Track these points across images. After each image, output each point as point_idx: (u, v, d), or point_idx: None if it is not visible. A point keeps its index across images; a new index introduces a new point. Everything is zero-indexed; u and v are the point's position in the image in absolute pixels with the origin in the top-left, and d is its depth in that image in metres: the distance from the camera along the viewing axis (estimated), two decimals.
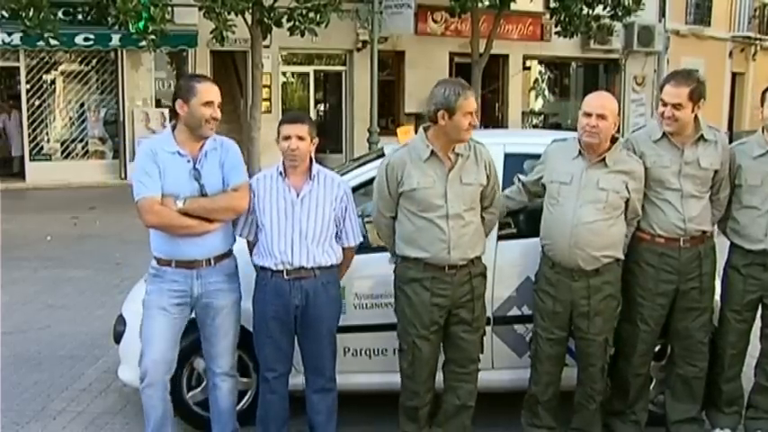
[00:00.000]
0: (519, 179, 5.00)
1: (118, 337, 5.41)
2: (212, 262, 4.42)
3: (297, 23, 15.53)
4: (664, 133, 4.86)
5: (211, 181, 4.37)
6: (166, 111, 18.96)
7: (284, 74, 21.79)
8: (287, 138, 4.51)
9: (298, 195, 4.53)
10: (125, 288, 6.06)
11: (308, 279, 4.54)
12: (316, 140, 4.64)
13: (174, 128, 4.44)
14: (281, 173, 4.58)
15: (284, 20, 15.59)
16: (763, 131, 4.99)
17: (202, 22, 15.99)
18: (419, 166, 4.57)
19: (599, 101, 4.72)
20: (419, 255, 4.59)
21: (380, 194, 4.72)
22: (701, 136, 4.85)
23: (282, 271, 4.52)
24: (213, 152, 4.41)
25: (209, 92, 4.34)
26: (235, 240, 4.57)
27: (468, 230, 4.60)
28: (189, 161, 4.35)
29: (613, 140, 4.73)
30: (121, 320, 5.37)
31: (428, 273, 4.60)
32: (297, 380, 4.83)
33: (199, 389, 5.17)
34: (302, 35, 15.71)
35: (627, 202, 4.72)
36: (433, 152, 4.57)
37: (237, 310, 4.58)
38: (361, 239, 4.75)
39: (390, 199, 4.67)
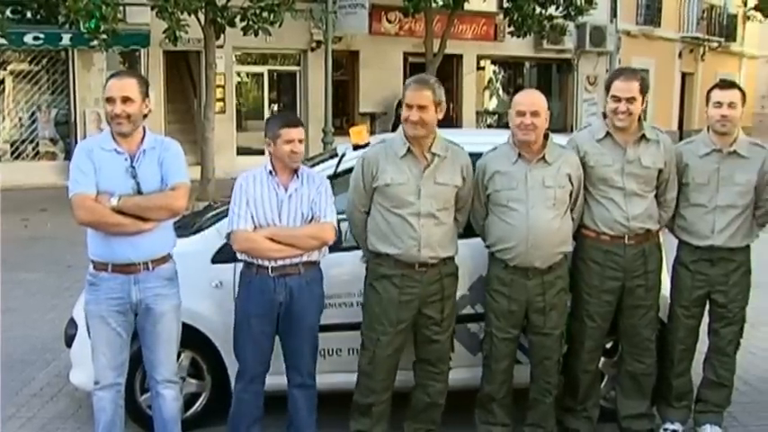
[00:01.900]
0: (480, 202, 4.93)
1: (69, 341, 5.35)
2: (150, 266, 4.32)
3: (250, 23, 15.44)
4: (607, 132, 4.94)
5: (148, 179, 4.29)
6: (101, 111, 18.73)
7: (238, 74, 21.67)
8: (290, 141, 4.53)
9: (286, 191, 4.57)
10: (76, 291, 5.98)
11: (294, 276, 4.55)
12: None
13: None
14: (270, 171, 4.60)
15: (237, 19, 15.48)
16: (708, 131, 5.08)
17: (155, 21, 15.82)
18: (395, 163, 4.62)
19: (531, 98, 4.78)
20: (389, 251, 4.62)
21: (356, 189, 4.77)
22: (643, 135, 4.93)
23: (268, 267, 4.53)
24: (152, 151, 4.34)
25: (109, 88, 4.26)
26: (175, 244, 4.50)
27: (440, 230, 4.64)
28: (126, 159, 4.28)
29: (545, 137, 4.79)
30: (72, 324, 5.31)
31: (398, 270, 4.64)
32: (273, 380, 4.80)
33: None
34: (256, 35, 15.62)
35: (571, 194, 4.79)
36: (409, 149, 4.61)
37: (178, 315, 4.50)
38: (335, 220, 4.69)
39: (365, 193, 4.71)
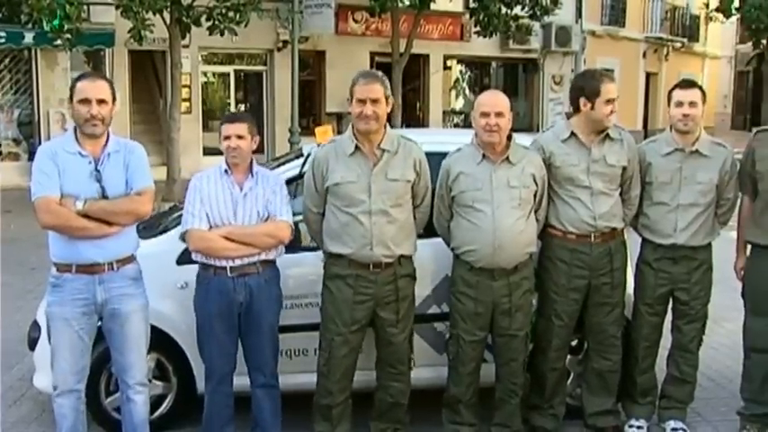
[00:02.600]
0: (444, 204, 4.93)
1: (32, 344, 5.29)
2: (115, 266, 4.29)
3: (216, 23, 15.37)
4: (572, 133, 4.98)
5: (113, 183, 4.26)
6: (66, 111, 18.52)
7: (204, 74, 21.55)
8: (227, 137, 4.56)
9: (241, 190, 4.57)
10: (40, 293, 5.89)
11: (252, 275, 4.55)
12: (257, 138, 4.70)
13: (75, 129, 4.32)
14: (225, 170, 4.60)
15: (203, 19, 15.40)
16: (671, 130, 5.14)
17: (120, 21, 15.68)
18: (344, 161, 4.62)
19: (494, 99, 4.80)
20: (342, 250, 4.62)
21: (308, 190, 4.77)
22: (607, 134, 4.97)
23: (226, 268, 4.52)
24: (116, 154, 4.31)
25: (84, 89, 4.23)
26: (138, 244, 4.47)
27: (393, 227, 4.63)
28: (90, 162, 4.24)
29: (508, 137, 4.81)
30: (36, 327, 5.25)
31: (352, 270, 4.64)
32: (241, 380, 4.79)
33: (117, 394, 5.04)
34: (222, 34, 15.55)
35: (535, 194, 4.81)
36: (357, 147, 4.61)
37: (146, 316, 4.47)
38: (291, 219, 4.70)
39: (317, 194, 4.71)
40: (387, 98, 4.61)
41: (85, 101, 4.20)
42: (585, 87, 4.96)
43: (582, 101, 4.94)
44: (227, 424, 4.78)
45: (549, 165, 4.94)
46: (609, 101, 4.90)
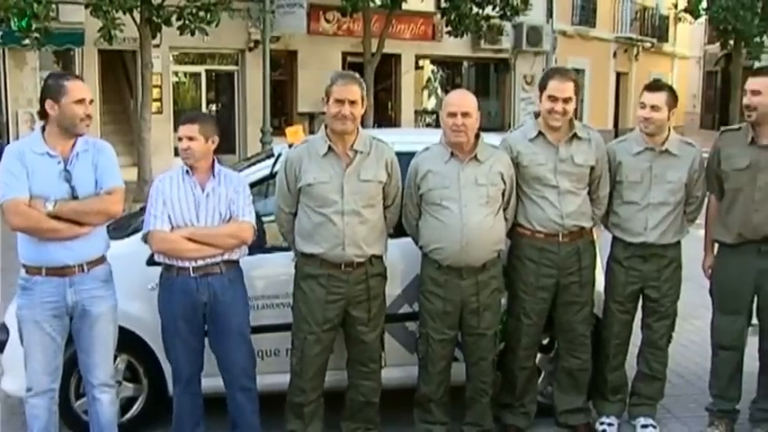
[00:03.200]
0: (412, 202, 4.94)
1: (0, 347, 5.23)
2: (85, 268, 4.26)
3: (187, 22, 15.29)
4: (539, 132, 5.00)
5: (83, 183, 4.22)
6: (35, 111, 18.32)
7: (176, 74, 21.41)
8: (180, 138, 4.55)
9: (203, 191, 4.55)
10: (8, 295, 5.82)
11: (215, 275, 4.54)
12: (215, 139, 4.66)
13: (43, 129, 4.28)
14: (186, 171, 4.58)
15: (174, 19, 15.32)
16: (641, 129, 5.18)
17: (89, 20, 15.55)
18: (316, 162, 4.62)
19: (462, 99, 4.81)
20: (314, 250, 4.63)
21: (280, 190, 4.77)
22: (575, 134, 5.00)
23: (189, 268, 4.50)
24: (85, 153, 4.27)
25: (80, 90, 4.22)
26: (108, 245, 4.44)
27: (365, 227, 4.65)
28: (59, 162, 4.20)
29: (476, 136, 4.83)
30: (4, 329, 5.19)
31: (324, 270, 4.65)
32: (213, 381, 4.77)
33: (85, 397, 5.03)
34: (192, 34, 15.48)
35: (503, 193, 4.83)
36: (330, 148, 4.62)
37: (115, 317, 4.45)
38: (253, 220, 4.69)
39: (289, 194, 4.71)
40: (362, 100, 4.63)
41: (81, 101, 4.20)
42: (540, 84, 5.04)
43: (537, 94, 5.02)
44: (197, 425, 4.78)
45: (518, 164, 4.97)
46: (550, 97, 4.92)
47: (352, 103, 4.56)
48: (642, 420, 5.32)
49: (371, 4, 18.86)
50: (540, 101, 5.00)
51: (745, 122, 5.03)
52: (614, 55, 30.79)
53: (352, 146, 4.66)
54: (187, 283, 4.52)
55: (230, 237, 4.56)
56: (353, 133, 4.66)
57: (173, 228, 4.52)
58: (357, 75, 4.78)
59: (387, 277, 4.87)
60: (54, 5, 15.39)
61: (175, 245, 4.50)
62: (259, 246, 4.89)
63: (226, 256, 4.57)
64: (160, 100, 19.88)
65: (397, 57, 23.53)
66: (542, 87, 5.01)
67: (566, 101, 4.90)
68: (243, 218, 4.60)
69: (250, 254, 4.77)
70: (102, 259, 4.38)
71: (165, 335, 4.65)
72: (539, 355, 5.34)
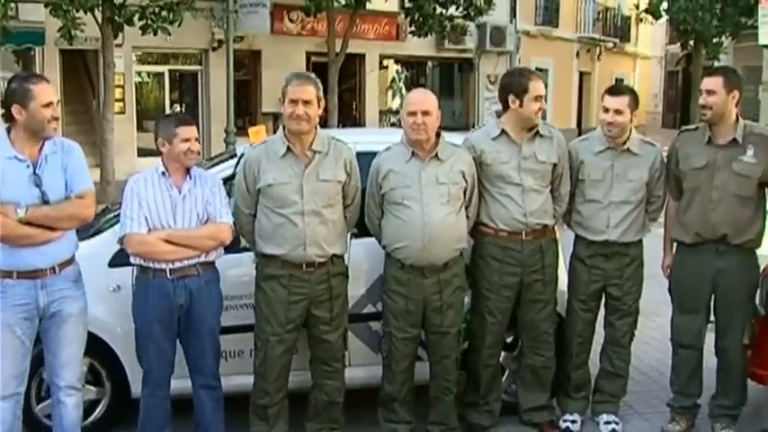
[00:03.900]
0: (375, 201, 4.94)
1: None
2: (56, 270, 4.23)
3: (149, 22, 15.14)
4: (502, 130, 5.04)
5: (53, 186, 4.18)
6: None
7: (139, 74, 21.20)
8: (187, 140, 4.50)
9: (180, 193, 4.52)
10: None
11: (192, 277, 4.51)
12: None
13: (8, 131, 4.21)
14: (162, 173, 4.54)
15: (136, 18, 15.17)
16: (605, 133, 5.22)
17: (50, 19, 15.35)
18: (275, 163, 4.62)
19: (421, 98, 4.83)
20: (275, 251, 4.62)
21: (239, 191, 4.76)
22: (537, 132, 5.04)
23: (166, 270, 4.46)
24: (54, 156, 4.23)
25: (47, 92, 4.18)
26: (77, 246, 4.41)
27: (326, 227, 4.65)
28: (28, 166, 4.15)
29: (438, 135, 4.85)
30: None
31: (286, 270, 4.64)
32: (179, 383, 4.75)
33: (49, 400, 4.95)
34: (155, 34, 15.35)
35: (465, 191, 4.85)
36: (289, 148, 4.62)
37: (85, 319, 4.42)
38: (231, 220, 4.67)
39: (249, 195, 4.70)
40: (319, 100, 4.63)
41: (50, 104, 4.16)
42: (513, 85, 5.04)
43: (511, 98, 5.01)
44: (163, 427, 4.74)
45: (481, 162, 4.99)
46: (537, 98, 4.96)
47: (307, 103, 4.56)
48: (605, 417, 5.36)
49: (335, 4, 18.84)
50: (521, 105, 4.96)
51: (702, 122, 5.10)
52: (577, 55, 31.04)
53: (310, 146, 4.66)
54: (164, 286, 4.49)
55: (209, 238, 4.54)
56: (311, 133, 4.66)
57: (149, 230, 4.48)
58: (313, 75, 4.78)
59: (348, 276, 4.88)
60: (13, 4, 15.17)
61: (153, 247, 4.46)
62: (229, 246, 4.86)
63: (203, 258, 4.55)
64: (123, 100, 19.66)
65: (362, 57, 23.52)
66: (521, 90, 4.96)
67: (543, 99, 5.01)
68: (220, 219, 4.58)
69: None
70: (72, 260, 4.35)
71: (139, 337, 4.61)
72: (503, 354, 5.38)
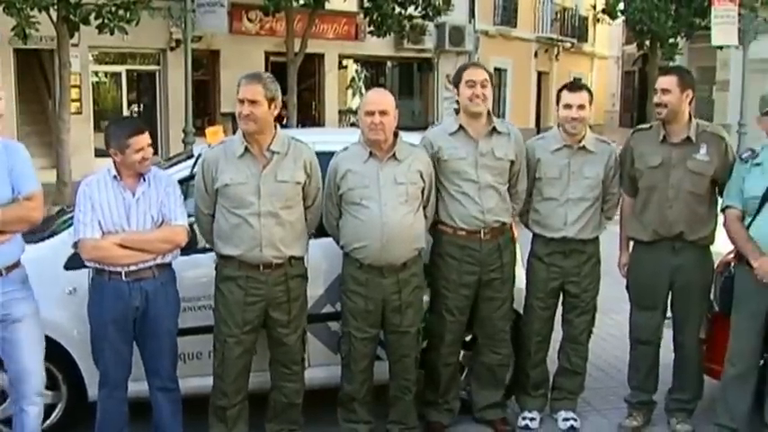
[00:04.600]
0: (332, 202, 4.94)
1: None
2: (3, 273, 4.16)
3: (105, 21, 14.94)
4: (460, 126, 5.06)
5: None
6: None
7: (96, 73, 20.96)
8: (140, 150, 4.42)
9: (134, 196, 4.46)
10: None
11: (148, 279, 4.46)
12: None
13: None
14: (114, 176, 4.47)
15: (92, 17, 14.98)
16: (559, 127, 5.27)
17: (3, 18, 15.11)
18: (233, 163, 4.59)
19: (379, 98, 4.85)
20: (232, 252, 4.60)
21: (198, 191, 4.73)
22: (494, 128, 5.07)
23: (121, 273, 4.41)
24: None
25: None
26: (23, 248, 4.33)
27: (283, 229, 4.62)
28: None
29: (395, 135, 4.85)
30: None
31: (242, 271, 4.62)
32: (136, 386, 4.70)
33: (4, 404, 4.88)
34: (112, 33, 15.15)
35: (423, 191, 4.86)
36: (247, 149, 4.59)
37: (39, 320, 4.35)
38: (186, 222, 4.63)
39: (207, 196, 4.68)
40: (270, 100, 4.58)
41: None
42: (454, 77, 5.14)
43: (454, 91, 5.11)
44: (121, 430, 4.70)
45: (438, 159, 5.01)
46: (467, 82, 5.00)
47: (253, 102, 4.52)
48: (563, 414, 5.41)
49: (294, 4, 18.78)
50: (459, 95, 5.07)
51: (656, 121, 5.17)
52: (535, 55, 31.23)
53: (269, 147, 4.63)
54: (119, 288, 4.44)
55: (163, 242, 4.50)
56: (269, 134, 4.64)
57: (103, 233, 4.42)
58: (265, 75, 4.74)
59: (308, 278, 4.86)
60: None
61: (107, 252, 4.40)
62: (186, 247, 4.82)
63: (158, 260, 4.50)
64: (79, 100, 19.45)
65: (321, 56, 23.48)
66: (458, 82, 5.09)
67: (483, 85, 5.00)
68: (175, 221, 4.53)
69: None
70: (18, 262, 4.28)
71: (95, 340, 4.55)
72: (462, 352, 5.39)
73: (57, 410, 5.07)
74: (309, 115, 23.71)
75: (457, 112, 5.17)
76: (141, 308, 4.48)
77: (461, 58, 25.94)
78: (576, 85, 5.37)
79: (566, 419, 5.38)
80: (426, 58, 26.10)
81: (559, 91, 5.29)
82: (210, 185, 4.65)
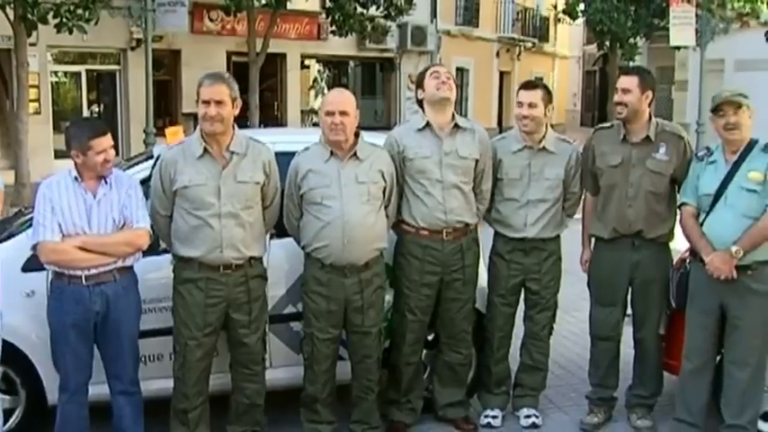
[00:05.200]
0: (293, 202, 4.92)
1: None
2: None
3: (64, 20, 14.78)
4: (426, 123, 5.07)
5: None
6: None
7: (55, 73, 20.70)
8: (101, 152, 4.35)
9: (95, 197, 4.39)
10: None
11: (109, 283, 4.40)
12: None
13: None
14: (75, 178, 4.40)
15: (50, 16, 14.80)
16: (520, 128, 5.30)
17: None
18: (192, 164, 4.55)
19: (339, 98, 4.85)
20: (192, 254, 4.56)
21: (156, 192, 4.67)
22: (456, 125, 5.09)
23: (81, 276, 4.34)
24: None
25: None
26: None
27: (243, 229, 4.60)
28: None
29: (356, 135, 4.85)
30: None
31: (202, 273, 4.59)
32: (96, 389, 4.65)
33: None
34: (70, 32, 14.99)
35: (384, 190, 4.87)
36: (206, 150, 4.56)
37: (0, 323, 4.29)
38: (148, 224, 4.57)
39: (165, 197, 4.63)
40: (233, 100, 4.56)
41: None
42: (419, 78, 5.19)
43: (417, 91, 5.16)
44: None
45: (403, 158, 5.02)
46: (433, 73, 5.07)
47: (219, 103, 4.49)
48: (525, 411, 5.44)
49: (256, 3, 18.71)
50: (424, 91, 5.10)
51: (617, 120, 5.22)
52: (497, 55, 31.39)
53: (228, 147, 4.60)
54: (79, 292, 4.37)
55: (125, 245, 4.43)
56: (227, 134, 4.61)
57: (63, 236, 4.36)
58: (226, 74, 4.72)
59: (267, 278, 4.84)
60: None
61: (67, 255, 4.33)
62: (154, 249, 4.78)
63: (119, 263, 4.44)
64: (38, 101, 19.20)
65: (283, 56, 23.41)
66: (421, 81, 5.14)
67: (447, 77, 5.05)
68: (137, 224, 4.46)
69: None
70: None
71: (54, 344, 4.49)
72: (424, 351, 5.40)
73: (15, 415, 4.99)
74: (271, 115, 23.62)
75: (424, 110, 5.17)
76: (102, 312, 4.42)
77: (423, 57, 26.04)
78: (531, 84, 5.43)
79: (527, 416, 5.41)
80: (388, 57, 26.13)
81: (518, 91, 5.33)
82: (169, 187, 4.60)
